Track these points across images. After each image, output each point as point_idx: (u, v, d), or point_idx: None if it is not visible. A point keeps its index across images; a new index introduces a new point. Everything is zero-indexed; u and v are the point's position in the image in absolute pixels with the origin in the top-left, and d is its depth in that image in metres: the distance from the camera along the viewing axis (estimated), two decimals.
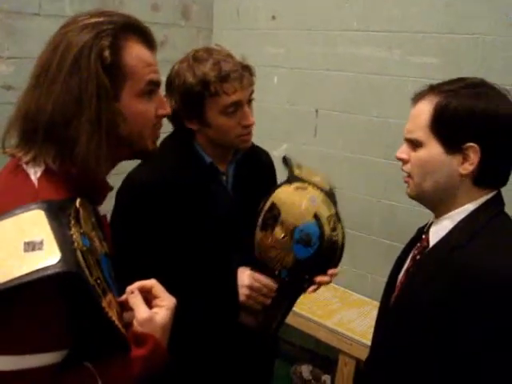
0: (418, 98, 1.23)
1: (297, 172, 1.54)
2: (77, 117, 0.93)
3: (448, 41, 2.33)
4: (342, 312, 2.54)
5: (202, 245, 1.48)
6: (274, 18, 2.95)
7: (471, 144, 1.12)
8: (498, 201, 1.20)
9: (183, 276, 1.46)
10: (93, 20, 0.97)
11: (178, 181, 1.46)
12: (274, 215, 1.45)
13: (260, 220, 1.46)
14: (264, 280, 1.48)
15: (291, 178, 1.51)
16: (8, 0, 2.30)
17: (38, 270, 0.80)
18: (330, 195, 1.55)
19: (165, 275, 1.41)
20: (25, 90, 1.00)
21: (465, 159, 1.14)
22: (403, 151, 1.24)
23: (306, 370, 2.86)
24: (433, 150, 1.16)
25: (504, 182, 1.21)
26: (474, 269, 1.07)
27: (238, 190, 1.55)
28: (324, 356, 2.78)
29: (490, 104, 1.13)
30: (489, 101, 1.13)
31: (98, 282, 0.88)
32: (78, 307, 0.87)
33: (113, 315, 0.90)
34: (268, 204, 1.46)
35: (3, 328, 0.85)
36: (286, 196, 1.47)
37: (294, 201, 1.46)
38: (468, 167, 1.14)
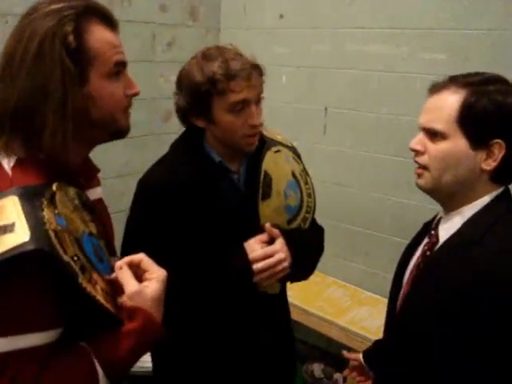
0: (438, 88, 1.21)
1: (265, 134, 1.60)
2: (41, 105, 0.95)
3: (456, 36, 2.32)
4: (353, 310, 2.53)
5: (213, 242, 1.49)
6: (281, 16, 2.95)
7: (498, 140, 1.12)
8: (507, 196, 1.20)
9: (194, 272, 1.48)
10: (53, 7, 0.97)
11: (188, 180, 1.48)
12: (268, 183, 1.52)
13: (260, 191, 1.51)
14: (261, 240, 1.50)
15: (268, 143, 1.58)
16: (19, 3, 2.31)
17: (7, 251, 0.84)
18: (295, 150, 1.67)
19: (175, 272, 1.45)
20: None
21: (488, 155, 1.14)
22: (419, 142, 1.21)
23: (317, 369, 2.86)
24: (458, 143, 1.15)
25: None
26: (495, 267, 1.07)
27: (251, 188, 1.54)
28: (336, 354, 2.78)
29: None
30: None
31: (75, 259, 0.89)
32: (59, 285, 0.89)
33: (93, 291, 0.91)
34: (262, 174, 1.52)
35: None
36: (271, 162, 1.55)
37: (277, 164, 1.56)
38: (491, 163, 1.14)
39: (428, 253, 1.25)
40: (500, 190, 1.18)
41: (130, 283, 1.00)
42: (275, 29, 2.99)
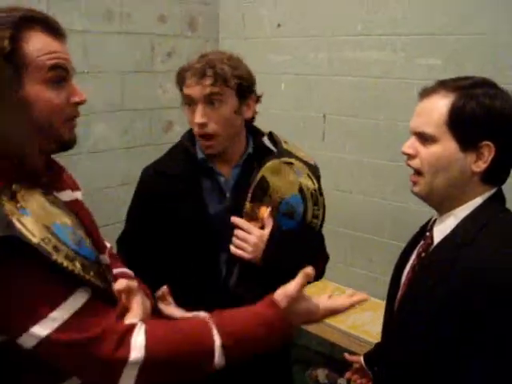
0: (427, 92, 1.23)
1: (285, 146, 1.62)
2: None
3: (452, 41, 2.35)
4: (355, 315, 2.54)
5: (191, 239, 1.53)
6: (279, 25, 2.99)
7: (487, 142, 1.14)
8: (499, 197, 1.22)
9: (172, 267, 1.55)
10: None
11: (175, 174, 1.56)
12: (263, 188, 1.53)
13: (250, 192, 1.52)
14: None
15: (279, 153, 1.58)
16: None
17: None
18: (314, 170, 1.65)
19: (156, 261, 1.56)
20: None
21: (478, 157, 1.15)
22: (411, 146, 1.24)
23: (321, 374, 2.86)
24: (448, 146, 1.16)
25: (505, 180, 1.23)
26: (485, 268, 1.08)
27: (238, 192, 1.57)
28: (339, 359, 2.79)
29: (505, 104, 1.15)
30: (503, 101, 1.16)
31: (46, 241, 0.93)
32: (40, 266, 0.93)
33: (71, 265, 0.95)
34: (258, 177, 1.53)
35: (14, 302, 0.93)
36: (274, 169, 1.55)
37: (281, 174, 1.56)
38: (481, 165, 1.16)
39: (423, 254, 1.27)
40: (492, 191, 1.20)
41: (137, 312, 1.10)
42: (273, 38, 3.02)
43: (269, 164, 1.55)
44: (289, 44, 2.95)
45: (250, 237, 1.50)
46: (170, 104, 2.89)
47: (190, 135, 1.61)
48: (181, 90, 1.52)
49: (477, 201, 1.19)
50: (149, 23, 2.83)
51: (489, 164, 1.15)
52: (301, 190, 1.58)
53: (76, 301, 0.96)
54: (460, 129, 1.15)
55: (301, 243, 1.60)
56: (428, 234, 1.29)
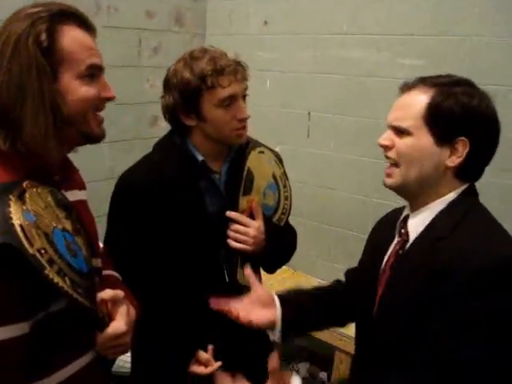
0: (407, 87, 1.26)
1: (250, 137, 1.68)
2: (21, 100, 0.99)
3: (435, 42, 2.38)
4: None
5: (192, 242, 1.53)
6: (265, 23, 3.00)
7: (462, 138, 1.17)
8: (472, 191, 1.25)
9: (173, 273, 1.53)
10: (30, 10, 1.02)
11: (170, 180, 1.51)
12: (251, 179, 1.61)
13: (242, 186, 1.59)
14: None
15: (253, 144, 1.66)
16: None
17: None
18: (278, 155, 1.75)
19: (154, 271, 1.51)
20: None
21: (452, 152, 1.18)
22: (386, 138, 1.26)
23: (303, 368, 2.90)
24: (423, 139, 1.19)
25: (479, 176, 1.26)
26: (460, 258, 1.10)
27: (231, 188, 1.60)
28: (320, 354, 2.82)
29: (481, 103, 1.18)
30: (481, 100, 1.19)
31: (42, 252, 0.93)
32: (27, 278, 0.93)
33: (61, 282, 0.95)
34: (245, 170, 1.60)
35: None
36: (255, 160, 1.63)
37: (260, 164, 1.64)
38: (455, 160, 1.18)
39: (400, 252, 1.28)
40: (465, 185, 1.23)
41: (121, 322, 1.12)
42: (260, 35, 3.04)
43: (251, 157, 1.62)
44: (275, 41, 2.97)
45: (249, 230, 1.56)
46: (156, 99, 2.90)
47: (180, 138, 1.58)
48: (209, 90, 1.47)
49: (451, 195, 1.22)
50: (136, 18, 2.83)
51: (463, 159, 1.18)
52: (274, 176, 1.68)
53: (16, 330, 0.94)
54: (436, 124, 1.18)
55: (286, 228, 1.72)
56: (403, 230, 1.30)
